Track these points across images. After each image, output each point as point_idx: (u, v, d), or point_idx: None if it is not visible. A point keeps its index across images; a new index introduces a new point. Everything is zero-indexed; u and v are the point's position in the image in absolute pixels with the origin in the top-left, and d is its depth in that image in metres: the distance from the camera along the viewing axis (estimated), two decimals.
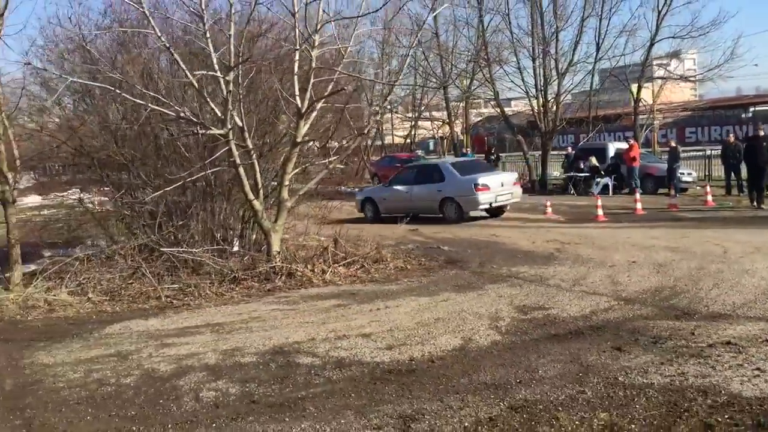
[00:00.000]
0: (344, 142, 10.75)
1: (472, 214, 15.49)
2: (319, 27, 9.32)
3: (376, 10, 11.70)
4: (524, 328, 6.12)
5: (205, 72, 8.56)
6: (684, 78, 24.26)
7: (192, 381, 5.23)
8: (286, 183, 10.00)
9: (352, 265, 9.81)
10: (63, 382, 5.43)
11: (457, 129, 32.46)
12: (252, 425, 4.31)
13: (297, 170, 10.22)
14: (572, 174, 21.85)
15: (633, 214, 14.75)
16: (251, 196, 9.67)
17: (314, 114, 9.95)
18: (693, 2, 23.98)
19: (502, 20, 24.12)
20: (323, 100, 9.88)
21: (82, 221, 11.89)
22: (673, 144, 20.04)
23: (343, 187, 17.61)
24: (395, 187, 16.54)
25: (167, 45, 8.45)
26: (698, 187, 20.45)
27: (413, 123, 33.88)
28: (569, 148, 23.80)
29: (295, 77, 9.47)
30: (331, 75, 10.10)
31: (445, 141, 35.36)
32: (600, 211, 14.33)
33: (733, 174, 18.59)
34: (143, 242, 9.57)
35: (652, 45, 23.37)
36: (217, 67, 8.94)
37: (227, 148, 9.25)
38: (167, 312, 7.87)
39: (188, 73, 8.55)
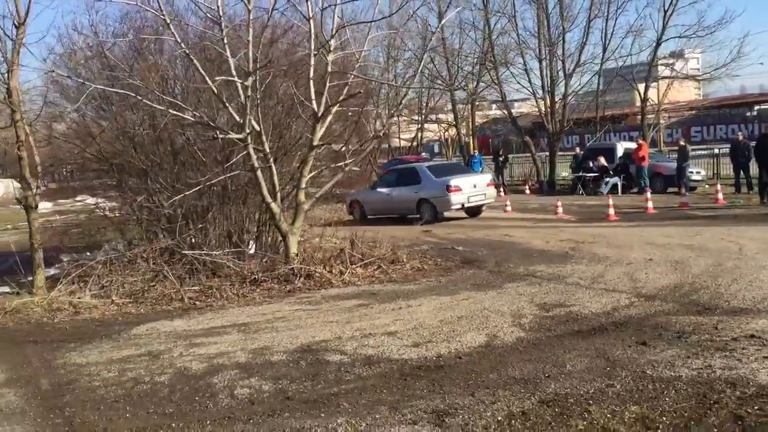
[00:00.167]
0: (360, 145, 10.81)
1: (447, 214, 16.16)
2: (334, 32, 9.43)
3: (391, 15, 11.78)
4: (547, 324, 6.22)
5: (225, 77, 8.68)
6: (691, 77, 24.32)
7: (225, 379, 5.34)
8: (303, 186, 10.12)
9: (369, 266, 9.91)
10: (98, 381, 5.54)
11: (463, 131, 32.57)
12: (288, 421, 4.41)
13: (313, 173, 10.33)
14: (581, 174, 21.93)
15: (644, 213, 14.82)
16: (269, 199, 9.79)
17: (329, 117, 10.06)
18: (699, 2, 24.13)
19: (509, 22, 24.29)
20: (338, 104, 9.99)
21: (100, 226, 12.01)
22: (682, 143, 20.10)
23: (353, 191, 17.81)
24: (379, 189, 17.06)
25: (187, 51, 8.59)
26: (707, 186, 20.52)
27: (420, 126, 33.97)
28: (577, 149, 23.90)
29: (311, 81, 9.59)
30: (344, 79, 10.22)
31: (450, 143, 35.46)
32: (611, 211, 14.41)
33: (742, 172, 18.66)
34: (165, 245, 9.66)
35: (658, 45, 23.50)
36: (234, 72, 9.08)
37: (246, 152, 9.36)
38: (191, 313, 7.99)
39: (208, 79, 8.68)
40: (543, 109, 24.46)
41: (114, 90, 9.11)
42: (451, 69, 26.79)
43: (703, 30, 22.54)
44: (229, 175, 9.55)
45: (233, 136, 9.12)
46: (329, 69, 9.49)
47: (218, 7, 8.87)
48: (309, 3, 9.42)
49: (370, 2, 24.79)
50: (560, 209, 15.93)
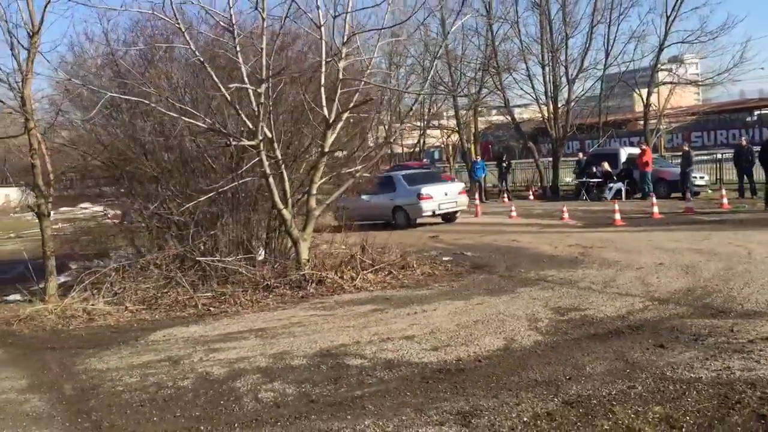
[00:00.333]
0: (370, 151, 10.90)
1: (419, 220, 16.89)
2: (345, 40, 9.52)
3: (403, 22, 11.87)
4: (563, 328, 6.28)
5: (239, 85, 8.76)
6: (694, 82, 24.47)
7: (248, 383, 5.39)
8: (314, 192, 10.20)
9: (380, 271, 9.97)
10: (121, 386, 5.59)
11: (465, 137, 32.68)
12: (316, 423, 4.47)
13: (324, 179, 10.41)
14: (585, 179, 22.03)
15: (650, 218, 14.90)
16: (280, 205, 9.87)
17: (340, 124, 10.14)
18: (701, 7, 24.27)
19: (511, 28, 24.44)
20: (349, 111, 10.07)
21: (109, 233, 12.07)
22: (686, 148, 20.22)
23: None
24: (362, 196, 17.26)
25: (201, 60, 8.66)
26: (710, 191, 20.63)
27: (422, 132, 34.08)
28: (581, 154, 23.99)
29: (322, 88, 9.67)
30: (355, 86, 10.30)
31: (450, 149, 35.57)
32: (617, 216, 14.49)
33: (745, 177, 18.78)
34: (178, 252, 9.73)
35: (661, 50, 23.65)
36: (247, 79, 9.17)
37: (258, 158, 9.44)
38: (206, 319, 8.04)
39: (221, 87, 8.75)
40: (546, 114, 24.58)
41: (128, 98, 9.18)
42: (454, 75, 26.92)
43: (705, 35, 22.71)
44: (241, 181, 9.60)
45: (246, 142, 9.20)
46: (340, 76, 9.57)
47: (231, 15, 8.97)
48: (319, 11, 9.52)
49: (372, 11, 24.92)
50: (566, 214, 16.01)
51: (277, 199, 9.76)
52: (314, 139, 10.99)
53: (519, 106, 29.03)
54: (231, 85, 8.64)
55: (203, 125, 9.22)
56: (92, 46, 10.94)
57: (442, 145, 37.48)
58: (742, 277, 7.70)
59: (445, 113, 34.92)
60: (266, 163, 9.45)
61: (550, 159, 26.23)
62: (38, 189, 9.69)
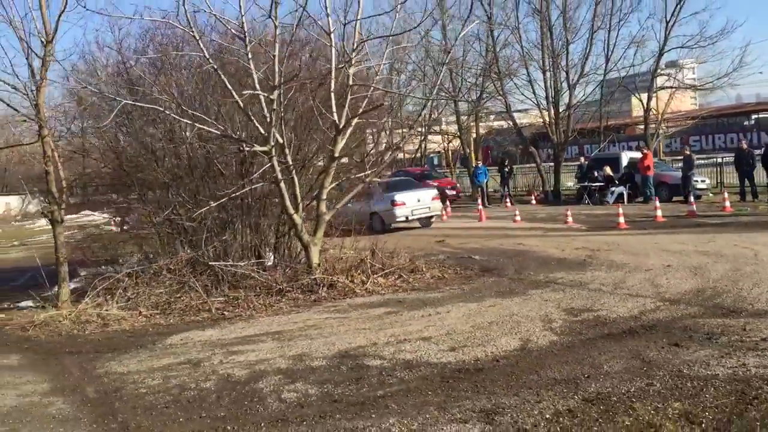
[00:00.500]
0: (380, 157, 11.02)
1: (394, 225, 17.45)
2: (356, 46, 9.64)
3: (413, 29, 12.03)
4: (577, 328, 6.38)
5: (253, 91, 8.88)
6: (694, 87, 24.65)
7: (270, 384, 5.48)
8: (324, 197, 10.30)
9: (389, 275, 10.06)
10: (144, 388, 5.68)
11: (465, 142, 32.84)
12: (341, 422, 4.55)
13: (334, 184, 10.51)
14: (586, 184, 22.15)
15: (654, 221, 15.01)
16: (291, 210, 9.97)
17: (350, 129, 10.25)
18: (700, 12, 24.47)
19: (512, 34, 24.61)
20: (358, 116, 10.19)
21: (119, 240, 12.17)
22: (687, 152, 20.36)
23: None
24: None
25: (215, 67, 8.78)
26: (711, 194, 20.77)
27: (423, 137, 34.23)
28: (582, 159, 24.14)
29: (332, 94, 9.79)
30: (364, 91, 10.42)
31: (450, 154, 35.73)
32: (621, 219, 14.59)
33: (747, 180, 18.92)
34: (190, 257, 9.82)
35: (661, 55, 23.82)
36: (258, 86, 9.28)
37: (269, 164, 9.55)
38: (222, 323, 8.13)
39: (234, 94, 8.87)
40: (548, 119, 24.74)
41: (142, 105, 9.28)
42: (455, 80, 27.06)
43: (705, 40, 22.87)
44: (253, 186, 9.71)
45: (258, 148, 9.31)
46: (350, 82, 9.69)
47: (242, 23, 9.10)
48: (329, 18, 9.64)
49: (374, 18, 25.06)
50: (570, 218, 16.12)
51: (288, 204, 9.86)
52: (323, 144, 11.12)
53: (520, 111, 29.18)
54: (245, 92, 8.76)
55: (216, 132, 9.33)
56: (103, 54, 11.05)
57: (443, 151, 37.67)
58: (750, 278, 7.81)
59: (444, 119, 35.05)
60: (278, 169, 9.56)
61: (551, 163, 26.37)
62: (51, 196, 9.78)
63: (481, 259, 11.41)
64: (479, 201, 23.51)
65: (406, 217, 17.26)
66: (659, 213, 15.38)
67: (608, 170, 21.70)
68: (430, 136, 36.40)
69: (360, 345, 6.41)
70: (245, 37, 9.13)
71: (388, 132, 22.13)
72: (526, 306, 7.50)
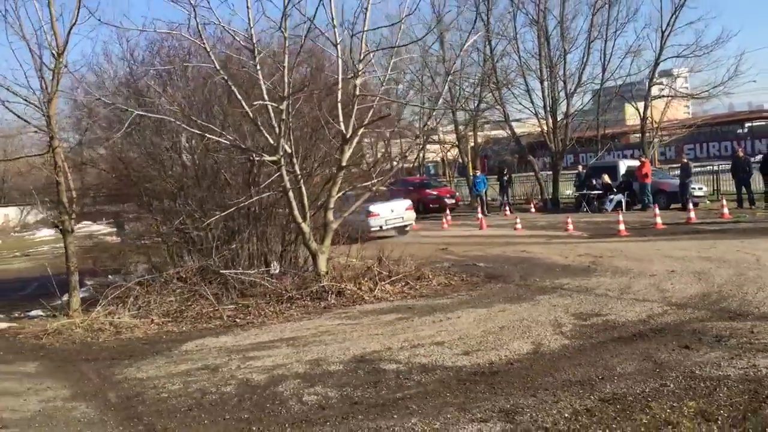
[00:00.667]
0: (387, 165, 11.17)
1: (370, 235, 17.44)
2: (362, 57, 9.81)
3: (419, 39, 12.20)
4: (588, 332, 6.52)
5: (264, 102, 9.02)
6: (691, 95, 24.95)
7: (290, 388, 5.59)
8: (332, 206, 10.43)
9: (396, 282, 10.18)
10: (166, 393, 5.78)
11: (464, 151, 33.04)
12: (363, 422, 4.67)
13: (341, 193, 10.65)
14: (585, 192, 22.36)
15: (654, 228, 15.19)
16: (299, 219, 10.09)
17: (356, 139, 10.40)
18: (696, 22, 24.76)
19: (509, 44, 24.88)
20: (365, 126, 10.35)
21: (127, 249, 12.28)
22: (684, 160, 20.61)
23: None
24: None
25: (225, 78, 8.93)
26: (708, 201, 21.00)
27: (421, 146, 34.40)
28: (580, 167, 24.38)
29: (339, 104, 9.95)
30: (370, 101, 10.58)
31: (445, 163, 35.96)
32: (622, 226, 14.77)
33: (743, 187, 19.14)
34: (201, 265, 9.94)
35: (657, 64, 24.08)
36: (266, 96, 9.44)
37: (278, 174, 9.69)
38: (234, 330, 8.23)
39: (244, 104, 9.02)
40: (546, 128, 24.99)
41: (153, 115, 9.42)
42: (453, 90, 27.30)
43: (700, 49, 23.17)
44: (263, 195, 9.85)
45: (268, 158, 9.45)
46: (357, 92, 9.85)
47: (251, 35, 9.26)
48: (335, 30, 9.81)
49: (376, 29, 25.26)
50: (570, 226, 16.29)
51: (296, 212, 9.99)
52: (328, 154, 11.27)
53: (518, 120, 29.41)
54: (256, 102, 8.90)
55: (225, 142, 9.47)
56: (111, 66, 11.19)
57: (441, 160, 37.89)
58: (754, 282, 7.97)
59: (441, 128, 35.30)
60: (286, 178, 9.69)
61: (550, 172, 26.60)
62: (62, 206, 9.89)
63: (486, 266, 11.55)
64: (479, 209, 23.67)
65: (380, 227, 17.67)
66: (659, 220, 15.56)
67: (606, 178, 21.92)
68: (427, 146, 36.61)
69: (375, 350, 6.53)
70: (254, 48, 9.29)
71: (386, 141, 22.35)
72: (535, 311, 7.64)
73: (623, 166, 22.82)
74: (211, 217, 10.31)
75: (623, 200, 21.22)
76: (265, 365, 6.37)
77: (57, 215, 10.13)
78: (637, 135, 35.43)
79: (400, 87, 31.24)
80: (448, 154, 35.12)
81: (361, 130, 10.37)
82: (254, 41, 9.28)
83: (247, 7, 9.09)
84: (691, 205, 17.04)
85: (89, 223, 19.37)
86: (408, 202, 19.32)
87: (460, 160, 33.41)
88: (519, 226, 17.98)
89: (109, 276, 13.25)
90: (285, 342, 7.27)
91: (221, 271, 9.73)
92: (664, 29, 23.51)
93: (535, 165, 26.20)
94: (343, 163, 10.17)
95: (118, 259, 12.07)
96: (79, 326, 9.04)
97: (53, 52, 9.58)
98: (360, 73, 9.92)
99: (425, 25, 25.99)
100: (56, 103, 9.68)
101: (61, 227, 10.00)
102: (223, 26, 9.39)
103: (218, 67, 8.88)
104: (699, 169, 24.76)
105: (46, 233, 34.87)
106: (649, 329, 6.40)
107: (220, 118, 11.12)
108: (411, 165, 37.07)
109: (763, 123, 44.53)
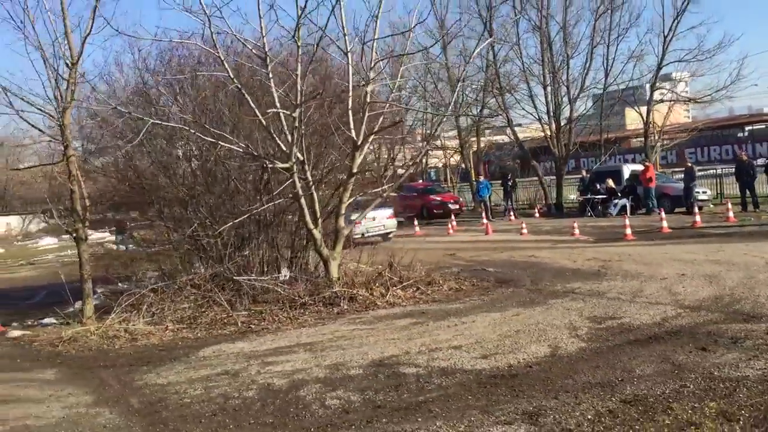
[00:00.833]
0: (397, 170, 11.26)
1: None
2: (373, 65, 9.91)
3: (428, 48, 12.30)
4: (603, 335, 6.58)
5: (277, 110, 9.12)
6: (693, 99, 25.08)
7: (311, 392, 5.66)
8: (343, 212, 10.53)
9: (408, 288, 10.25)
10: (188, 398, 5.85)
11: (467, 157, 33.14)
12: (388, 425, 4.74)
13: (352, 199, 10.73)
14: (589, 196, 22.45)
15: (660, 232, 15.27)
16: (311, 225, 10.18)
17: (367, 145, 10.50)
18: (697, 26, 24.94)
19: (511, 50, 25.03)
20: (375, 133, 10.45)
21: (138, 256, 12.36)
22: (689, 164, 20.71)
23: None
24: None
25: (239, 86, 9.03)
26: (711, 205, 21.07)
27: (424, 152, 34.52)
28: (584, 172, 24.48)
29: (350, 112, 10.04)
30: (379, 108, 10.69)
31: (448, 169, 36.08)
32: (628, 230, 14.85)
33: (747, 191, 19.23)
34: (214, 272, 10.01)
35: (659, 69, 24.22)
36: (278, 104, 9.53)
37: (290, 180, 9.77)
38: (250, 336, 8.30)
39: (257, 112, 9.11)
40: (549, 133, 25.10)
41: (168, 124, 9.51)
42: (456, 96, 27.41)
43: (702, 54, 23.32)
44: (276, 202, 9.93)
45: (280, 165, 9.53)
46: (368, 99, 9.95)
47: (264, 44, 9.36)
48: (346, 38, 9.91)
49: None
50: (577, 230, 16.37)
51: (308, 219, 10.08)
52: (339, 160, 11.37)
53: (520, 125, 29.54)
54: (270, 110, 8.99)
55: (238, 149, 9.56)
56: (123, 75, 11.30)
57: (444, 166, 38.04)
58: (766, 285, 8.05)
59: (444, 133, 35.43)
60: (299, 185, 9.78)
61: (553, 177, 26.70)
62: (76, 214, 9.98)
63: (495, 271, 11.62)
64: (483, 215, 23.76)
65: (362, 234, 17.92)
66: (665, 224, 15.64)
67: (610, 183, 22.01)
68: (429, 151, 36.72)
69: (393, 354, 6.60)
70: (266, 57, 9.40)
71: (390, 148, 22.45)
72: (549, 315, 7.70)
73: (627, 170, 22.93)
74: (222, 224, 10.38)
75: (628, 204, 21.30)
76: (285, 370, 6.43)
77: (71, 223, 10.19)
78: (638, 139, 35.60)
79: (403, 93, 31.46)
80: (450, 159, 35.22)
81: (372, 137, 10.46)
82: (266, 50, 9.38)
83: (260, 17, 9.21)
84: (696, 209, 17.11)
85: (91, 231, 19.48)
86: (389, 211, 19.74)
87: (463, 166, 33.52)
88: (525, 231, 18.06)
89: (119, 284, 13.36)
90: (302, 347, 7.33)
91: (235, 278, 9.81)
92: (666, 34, 23.71)
93: (538, 170, 26.31)
94: (354, 170, 10.26)
95: (129, 267, 12.12)
96: (94, 333, 9.11)
97: (67, 62, 9.69)
98: (371, 80, 10.02)
99: (428, 32, 26.20)
100: (71, 112, 9.77)
101: (74, 235, 10.07)
102: (235, 35, 9.49)
103: (232, 76, 8.97)
104: (702, 172, 24.89)
105: (49, 242, 35.00)
106: (665, 332, 6.47)
107: (230, 126, 11.22)
108: (414, 171, 37.23)
109: (764, 126, 44.66)
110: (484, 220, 22.15)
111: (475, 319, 7.90)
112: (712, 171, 24.55)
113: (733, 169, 20.87)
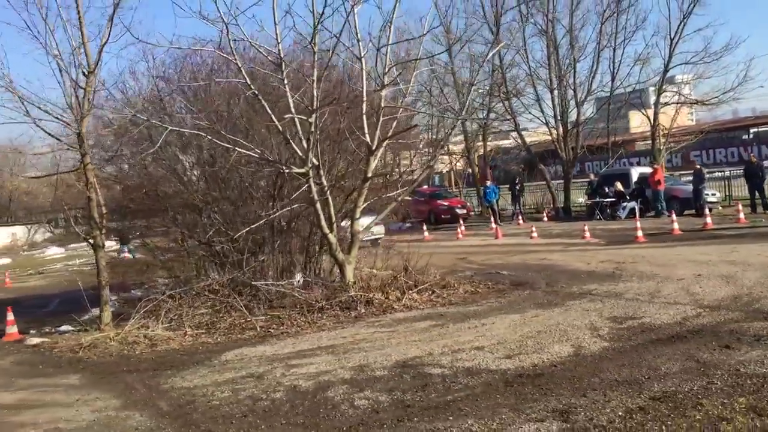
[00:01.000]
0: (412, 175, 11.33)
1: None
2: (387, 70, 10.00)
3: (440, 53, 12.40)
4: (625, 335, 6.62)
5: (294, 115, 9.19)
6: (701, 102, 25.13)
7: (339, 393, 5.70)
8: (357, 216, 10.59)
9: (423, 291, 10.30)
10: (217, 401, 5.90)
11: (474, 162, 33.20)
12: (420, 424, 4.78)
13: (366, 204, 10.79)
14: (598, 199, 22.48)
15: (671, 234, 15.29)
16: (326, 230, 10.25)
17: (381, 150, 10.57)
18: (704, 29, 24.98)
19: (518, 54, 25.13)
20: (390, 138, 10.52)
21: (152, 263, 12.44)
22: (698, 166, 20.73)
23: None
24: None
25: (256, 92, 9.11)
26: (720, 207, 21.09)
27: (431, 157, 34.61)
28: (592, 175, 24.52)
29: (364, 117, 10.12)
30: (394, 113, 10.77)
31: (453, 173, 36.17)
32: (640, 233, 14.88)
33: (757, 192, 19.25)
34: (232, 277, 10.08)
35: (666, 72, 24.28)
36: (293, 109, 9.61)
37: (306, 186, 9.85)
38: (270, 340, 8.35)
39: (274, 118, 9.20)
40: (556, 136, 25.17)
41: (185, 131, 9.60)
42: (462, 100, 27.49)
43: (709, 56, 23.37)
44: (292, 207, 10.00)
45: (296, 170, 9.61)
46: (382, 104, 10.02)
47: (279, 50, 9.45)
48: (360, 43, 10.00)
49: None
50: (587, 233, 16.40)
51: (323, 223, 10.14)
52: (353, 165, 11.44)
53: (526, 129, 29.62)
54: (287, 116, 9.07)
55: (254, 155, 9.65)
56: (137, 83, 11.41)
57: (450, 170, 38.12)
58: None
59: (451, 138, 35.52)
60: (314, 190, 9.85)
61: (560, 181, 26.75)
62: (93, 221, 10.05)
63: (510, 273, 11.66)
64: (492, 219, 23.81)
65: None
66: (676, 226, 15.67)
67: (619, 185, 22.05)
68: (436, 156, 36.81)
69: (416, 355, 6.64)
70: (282, 63, 9.49)
71: (401, 153, 22.54)
72: (568, 316, 7.75)
73: (635, 173, 22.97)
74: (236, 230, 10.45)
75: (636, 207, 21.32)
76: (310, 372, 6.48)
77: (88, 230, 10.27)
78: (644, 142, 35.63)
79: (411, 99, 31.56)
80: (457, 164, 35.31)
81: (386, 142, 10.53)
82: (281, 56, 9.47)
83: (275, 23, 9.30)
84: (706, 211, 17.13)
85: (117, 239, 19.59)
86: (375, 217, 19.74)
87: (469, 170, 33.58)
88: (535, 234, 18.10)
89: (132, 291, 13.45)
90: (324, 350, 7.38)
91: (253, 283, 9.87)
92: (672, 37, 23.78)
93: (546, 174, 26.37)
94: (369, 174, 10.33)
95: (144, 274, 12.19)
96: (113, 339, 9.17)
97: (83, 71, 9.79)
98: (386, 85, 10.10)
99: (434, 38, 26.34)
100: (88, 120, 9.86)
101: (92, 242, 10.15)
102: (251, 42, 9.58)
103: (249, 83, 9.06)
104: (709, 175, 24.90)
105: (56, 251, 35.13)
106: (687, 331, 6.51)
107: (243, 133, 11.31)
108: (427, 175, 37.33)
109: None
110: (493, 225, 22.21)
111: (494, 320, 7.95)
112: (719, 173, 24.55)
113: (741, 171, 20.91)
